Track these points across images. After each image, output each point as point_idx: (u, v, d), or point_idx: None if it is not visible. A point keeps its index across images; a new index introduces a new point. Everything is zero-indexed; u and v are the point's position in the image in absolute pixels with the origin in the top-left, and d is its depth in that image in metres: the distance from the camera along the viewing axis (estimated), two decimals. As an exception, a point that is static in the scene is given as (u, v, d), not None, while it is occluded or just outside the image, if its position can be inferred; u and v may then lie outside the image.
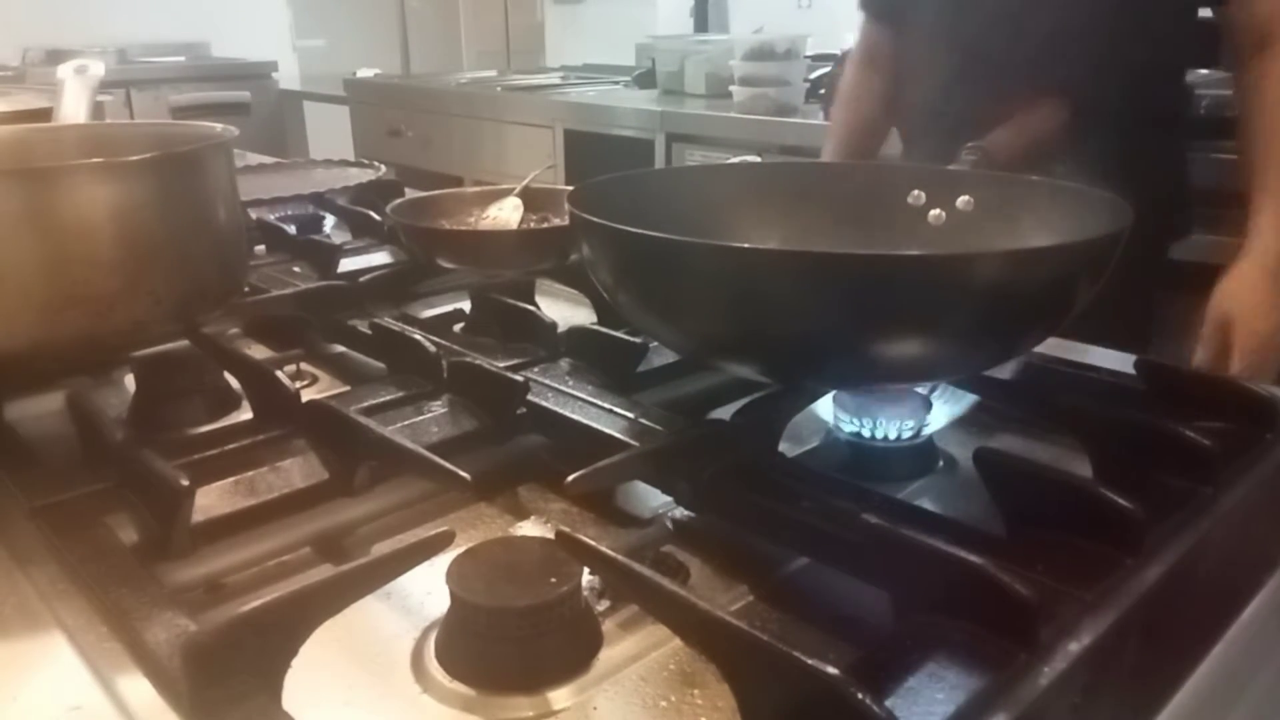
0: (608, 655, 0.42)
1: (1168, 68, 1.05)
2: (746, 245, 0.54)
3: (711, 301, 0.52)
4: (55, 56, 2.93)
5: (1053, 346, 0.67)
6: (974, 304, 0.49)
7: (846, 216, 0.70)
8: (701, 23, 3.12)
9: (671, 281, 0.53)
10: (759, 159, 1.96)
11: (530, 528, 0.53)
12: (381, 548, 0.47)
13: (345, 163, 1.35)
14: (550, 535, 0.43)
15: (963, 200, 0.67)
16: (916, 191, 0.69)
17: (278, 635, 0.37)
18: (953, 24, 1.06)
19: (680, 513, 0.52)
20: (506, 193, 0.94)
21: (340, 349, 0.76)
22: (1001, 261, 0.50)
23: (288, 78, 4.00)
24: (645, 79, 2.76)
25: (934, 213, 0.69)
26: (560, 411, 0.59)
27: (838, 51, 2.33)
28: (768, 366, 0.56)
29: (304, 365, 0.74)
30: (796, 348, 0.52)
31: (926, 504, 0.54)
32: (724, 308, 0.52)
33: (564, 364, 0.67)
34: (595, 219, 0.54)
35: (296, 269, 0.93)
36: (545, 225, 0.90)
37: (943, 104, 1.04)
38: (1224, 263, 1.01)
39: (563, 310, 0.86)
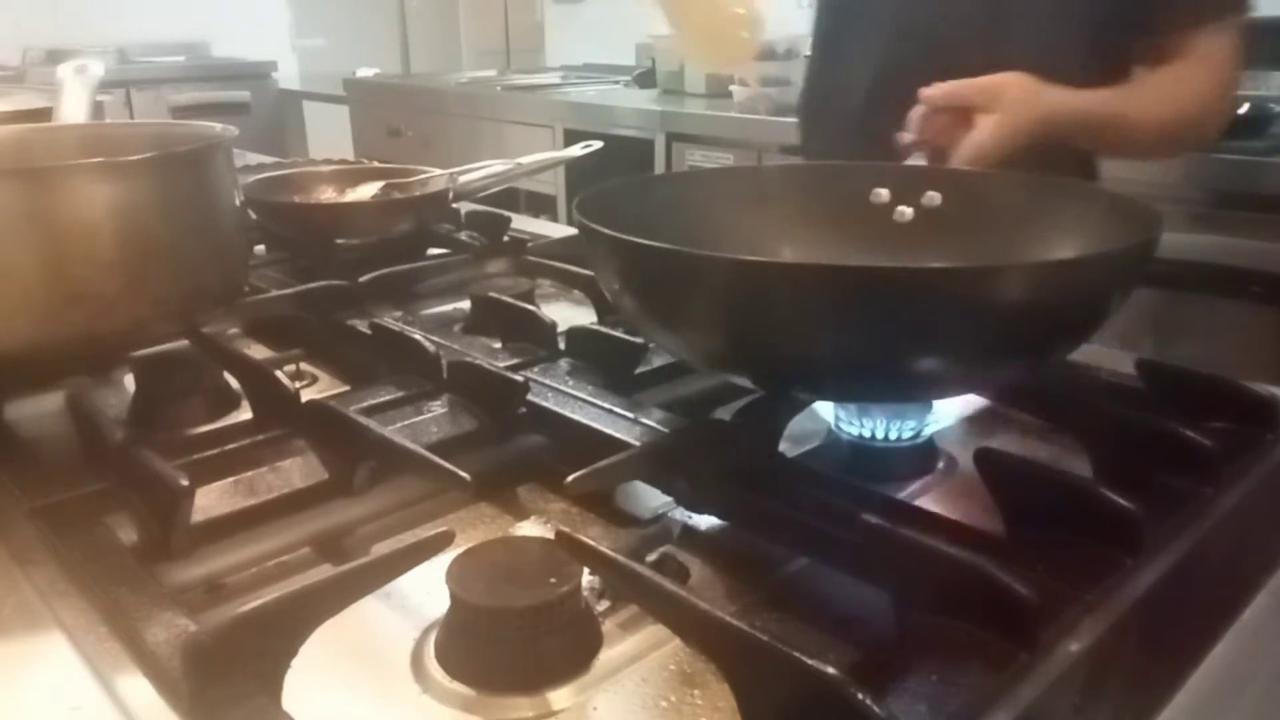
0: (608, 655, 0.42)
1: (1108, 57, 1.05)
2: (761, 259, 0.51)
3: (741, 318, 0.49)
4: (55, 56, 2.93)
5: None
6: (1006, 316, 0.46)
7: (815, 220, 0.69)
8: (702, 23, 3.12)
9: (683, 293, 0.50)
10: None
11: (530, 528, 0.53)
12: (381, 548, 0.47)
13: (345, 162, 1.35)
14: (550, 535, 0.43)
15: (929, 196, 0.67)
16: (877, 189, 0.69)
17: (278, 635, 0.37)
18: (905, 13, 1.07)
19: (680, 513, 0.52)
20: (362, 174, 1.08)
21: (340, 349, 0.76)
22: (1030, 273, 0.47)
23: (287, 77, 4.00)
24: (645, 79, 2.76)
25: (898, 210, 0.68)
26: (560, 411, 0.59)
27: (838, 51, 2.33)
28: (786, 382, 0.54)
29: (304, 365, 0.74)
30: (817, 364, 0.50)
31: (926, 504, 0.54)
32: (747, 324, 0.49)
33: (564, 364, 0.67)
34: (598, 227, 0.52)
35: (296, 269, 0.93)
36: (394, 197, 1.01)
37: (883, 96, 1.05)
38: (1225, 263, 1.00)
39: (563, 310, 0.86)
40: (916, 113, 0.84)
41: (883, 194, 0.69)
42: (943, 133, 0.83)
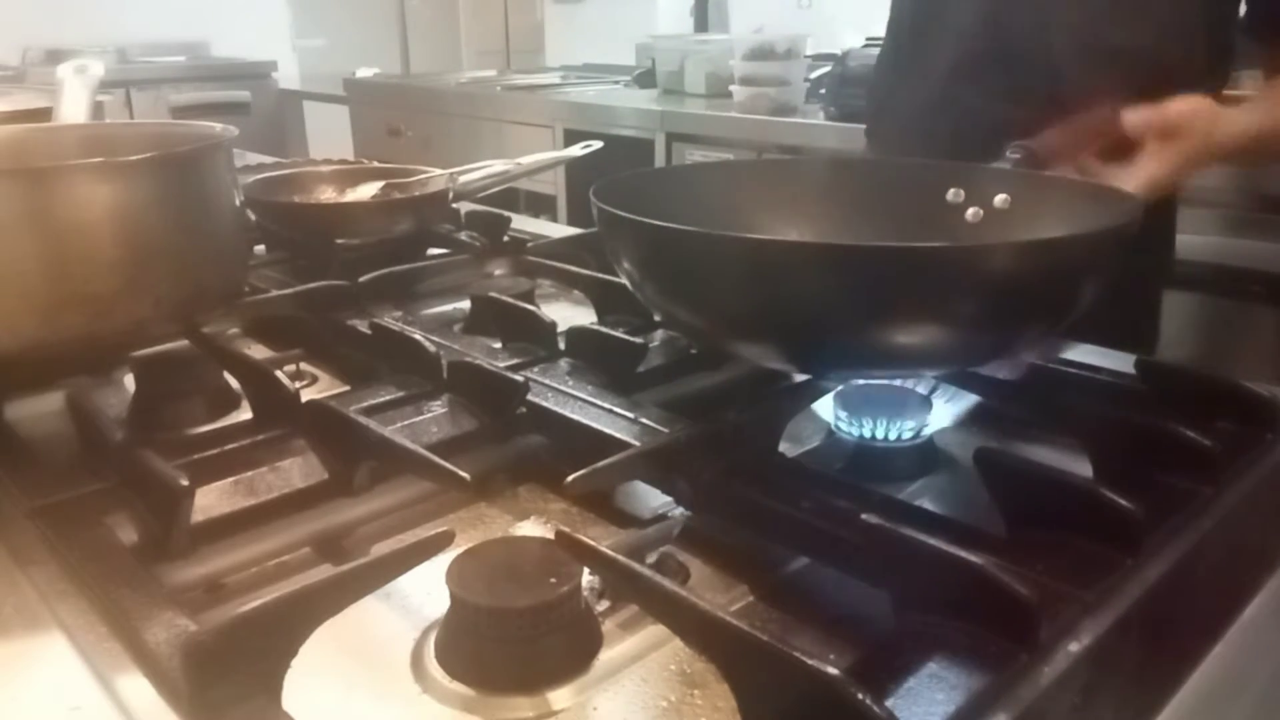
0: (608, 655, 0.42)
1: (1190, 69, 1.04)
2: (759, 237, 0.55)
3: (730, 290, 0.53)
4: (55, 56, 2.93)
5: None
6: (977, 295, 0.50)
7: (884, 213, 0.70)
8: (701, 22, 3.12)
9: (699, 274, 0.54)
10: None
11: (530, 528, 0.53)
12: (381, 548, 0.47)
13: (345, 162, 1.35)
14: (550, 535, 0.43)
15: (1000, 199, 0.68)
16: (955, 189, 0.70)
17: (278, 635, 0.37)
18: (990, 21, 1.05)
19: (680, 513, 0.52)
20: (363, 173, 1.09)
21: (340, 349, 0.76)
22: (998, 254, 0.51)
23: (287, 77, 4.01)
24: (645, 79, 2.76)
25: (971, 210, 0.69)
26: (560, 411, 0.59)
27: (838, 51, 2.34)
28: (786, 354, 0.57)
29: (304, 365, 0.74)
30: (813, 336, 0.53)
31: (926, 504, 0.54)
32: (743, 296, 0.53)
33: (564, 364, 0.67)
34: (626, 214, 0.55)
35: (296, 269, 0.93)
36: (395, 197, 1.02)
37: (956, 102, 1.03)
38: (1225, 263, 1.00)
39: (563, 310, 0.86)
40: (1063, 128, 0.81)
41: (959, 193, 0.70)
42: (1082, 144, 0.81)
